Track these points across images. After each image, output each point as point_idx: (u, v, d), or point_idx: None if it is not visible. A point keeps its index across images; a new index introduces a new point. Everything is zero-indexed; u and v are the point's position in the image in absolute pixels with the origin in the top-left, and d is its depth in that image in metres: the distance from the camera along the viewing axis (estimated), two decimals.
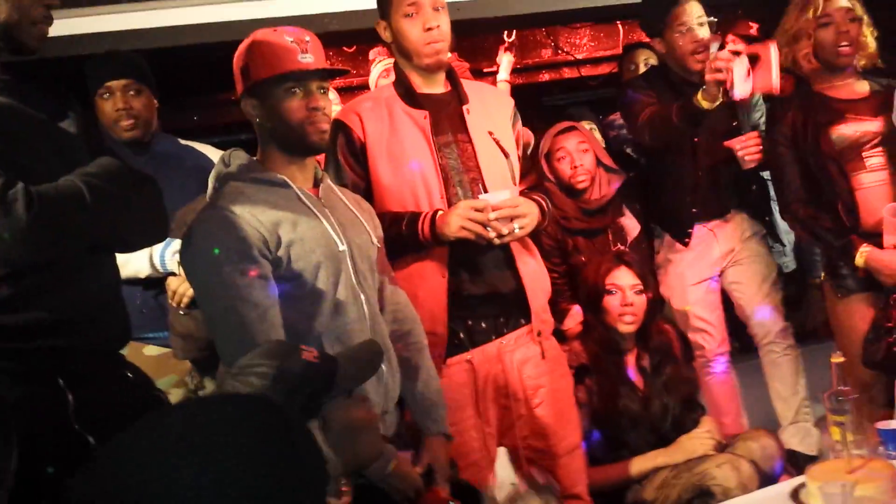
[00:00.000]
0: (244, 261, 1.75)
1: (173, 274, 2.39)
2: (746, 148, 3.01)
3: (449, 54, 2.36)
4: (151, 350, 2.55)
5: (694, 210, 3.09)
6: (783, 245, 3.41)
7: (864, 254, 2.71)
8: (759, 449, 2.60)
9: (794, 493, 2.11)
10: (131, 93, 2.65)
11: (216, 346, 1.83)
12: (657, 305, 2.88)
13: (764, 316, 3.17)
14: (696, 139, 3.04)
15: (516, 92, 3.68)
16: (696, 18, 2.99)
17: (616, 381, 2.68)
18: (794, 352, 3.19)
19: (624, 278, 2.73)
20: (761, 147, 3.00)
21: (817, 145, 2.78)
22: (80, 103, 1.78)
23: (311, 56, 1.86)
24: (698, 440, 2.64)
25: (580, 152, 3.07)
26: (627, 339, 2.75)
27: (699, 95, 2.74)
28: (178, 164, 2.68)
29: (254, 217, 1.78)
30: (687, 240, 3.11)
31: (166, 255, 2.38)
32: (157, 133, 2.76)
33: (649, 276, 2.84)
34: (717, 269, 3.17)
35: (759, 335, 3.21)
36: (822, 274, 2.94)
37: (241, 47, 1.90)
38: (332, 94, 3.02)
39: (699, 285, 3.15)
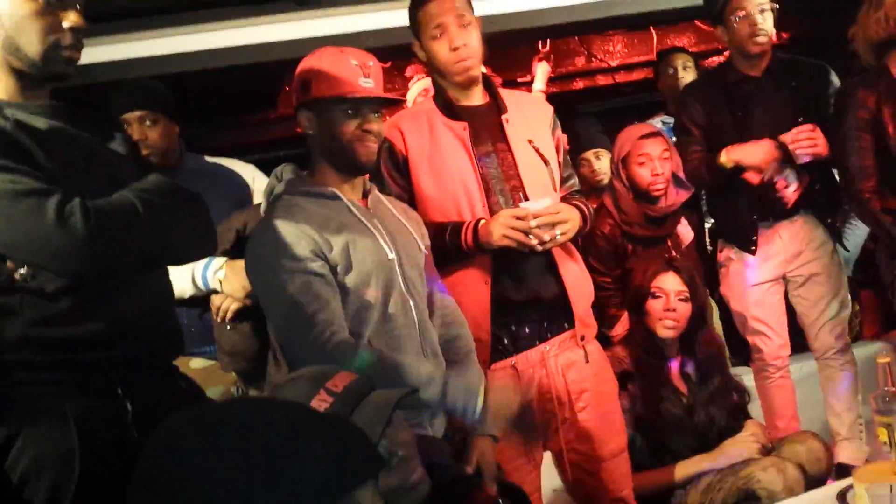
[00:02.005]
0: (303, 261, 1.83)
1: (215, 291, 2.45)
2: (798, 142, 2.90)
3: (483, 68, 2.40)
4: (197, 363, 2.60)
5: (755, 216, 3.05)
6: (847, 251, 3.33)
7: None
8: (805, 452, 2.57)
9: (842, 496, 2.10)
10: (147, 123, 2.67)
11: (283, 345, 1.90)
12: (704, 314, 2.85)
13: (826, 335, 3.14)
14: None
15: (550, 101, 3.70)
16: (756, 5, 2.95)
17: (659, 386, 2.67)
18: (852, 368, 3.15)
19: (670, 283, 2.71)
20: (816, 140, 2.89)
21: None
22: None
23: (371, 81, 1.93)
24: (743, 444, 2.61)
25: (662, 160, 3.01)
26: (671, 345, 2.73)
27: (721, 156, 2.92)
28: (208, 182, 2.71)
29: (308, 228, 1.85)
30: (753, 248, 3.06)
31: (208, 273, 2.43)
32: (183, 154, 2.80)
33: (697, 285, 2.79)
34: (780, 271, 3.11)
35: (819, 350, 3.18)
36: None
37: (307, 60, 1.97)
38: None
39: (760, 287, 3.12)
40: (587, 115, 4.31)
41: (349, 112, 1.91)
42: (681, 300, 2.70)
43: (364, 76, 1.91)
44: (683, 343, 2.74)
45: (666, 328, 2.69)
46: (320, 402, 1.34)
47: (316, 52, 1.97)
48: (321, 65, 1.93)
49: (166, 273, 1.80)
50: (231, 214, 2.50)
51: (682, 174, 3.09)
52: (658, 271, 2.74)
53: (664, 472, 2.59)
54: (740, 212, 3.07)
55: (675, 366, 2.74)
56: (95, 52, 3.16)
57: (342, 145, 1.93)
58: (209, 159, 2.89)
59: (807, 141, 2.90)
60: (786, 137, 2.93)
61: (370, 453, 0.93)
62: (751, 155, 2.94)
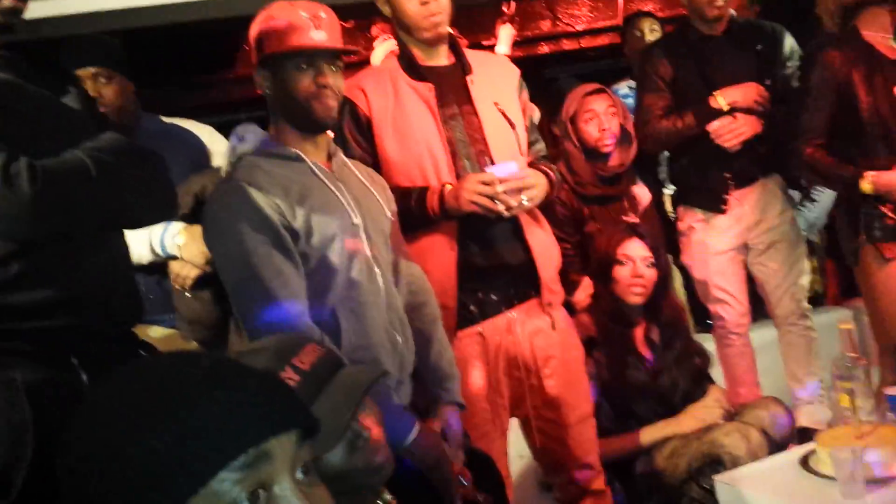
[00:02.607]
0: (265, 231, 1.77)
1: (174, 258, 2.38)
2: (720, 136, 2.99)
3: (449, 29, 2.34)
4: (157, 331, 2.54)
5: (727, 175, 3.07)
6: (800, 208, 3.36)
7: (868, 177, 2.66)
8: (768, 417, 2.60)
9: (804, 460, 2.13)
10: (102, 80, 2.57)
11: (240, 316, 1.84)
12: (667, 280, 2.87)
13: (787, 302, 3.18)
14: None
15: (515, 64, 3.66)
16: None
17: (623, 352, 2.68)
18: (811, 333, 3.20)
19: (636, 250, 2.71)
20: (737, 130, 2.96)
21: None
22: None
23: (324, 33, 1.86)
24: (706, 409, 2.64)
25: (609, 115, 3.04)
26: (635, 311, 2.74)
27: (717, 99, 2.92)
28: (164, 143, 2.63)
29: (271, 191, 1.79)
30: (724, 206, 3.08)
31: (166, 238, 2.37)
32: (139, 114, 2.72)
33: (660, 251, 2.81)
34: (742, 239, 3.14)
35: (780, 316, 3.22)
36: (862, 236, 2.81)
37: (257, 19, 1.91)
38: None
39: (722, 255, 3.14)
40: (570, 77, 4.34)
41: (302, 66, 1.85)
42: (647, 266, 2.71)
43: (315, 28, 1.84)
44: (647, 309, 2.75)
45: (635, 294, 2.70)
46: (285, 380, 1.27)
47: (267, 8, 1.90)
48: (271, 20, 1.87)
49: (123, 237, 1.72)
50: (189, 177, 2.43)
51: (630, 129, 3.09)
52: (623, 238, 2.74)
53: (629, 438, 2.61)
54: (711, 172, 3.09)
55: (639, 332, 2.75)
56: (47, 6, 3.05)
57: (298, 102, 1.86)
58: (165, 120, 2.81)
59: (728, 134, 2.98)
60: (711, 127, 2.99)
61: (291, 408, 0.89)
62: (744, 96, 2.99)
